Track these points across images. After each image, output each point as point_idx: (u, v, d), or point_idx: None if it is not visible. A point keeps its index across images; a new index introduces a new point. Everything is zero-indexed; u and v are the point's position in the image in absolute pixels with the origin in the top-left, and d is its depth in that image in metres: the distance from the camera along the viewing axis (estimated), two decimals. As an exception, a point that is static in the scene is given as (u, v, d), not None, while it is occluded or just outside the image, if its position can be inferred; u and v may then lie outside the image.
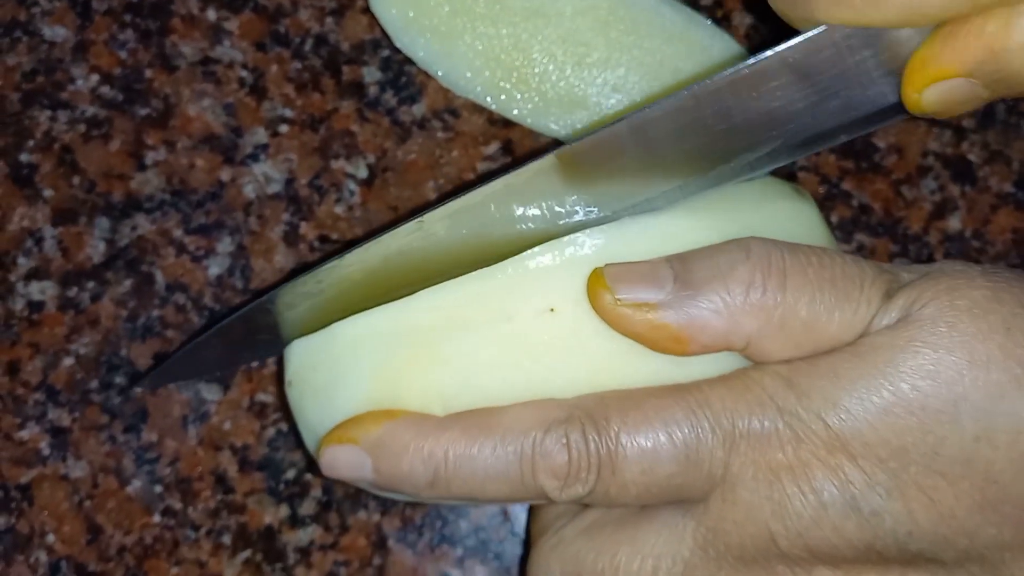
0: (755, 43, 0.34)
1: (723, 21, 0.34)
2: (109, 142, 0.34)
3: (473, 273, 0.25)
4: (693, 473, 0.23)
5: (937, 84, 0.22)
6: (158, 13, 0.35)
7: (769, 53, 0.23)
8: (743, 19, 0.34)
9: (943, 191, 0.33)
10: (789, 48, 0.23)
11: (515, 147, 0.34)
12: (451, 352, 0.25)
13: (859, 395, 0.23)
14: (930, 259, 0.33)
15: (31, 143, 0.34)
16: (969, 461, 0.22)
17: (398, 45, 0.34)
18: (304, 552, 0.32)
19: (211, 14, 0.35)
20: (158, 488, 0.32)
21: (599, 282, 0.24)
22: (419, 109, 0.34)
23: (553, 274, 0.25)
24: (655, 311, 0.24)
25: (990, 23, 0.21)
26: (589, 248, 0.25)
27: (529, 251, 0.25)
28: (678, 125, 0.24)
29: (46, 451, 0.33)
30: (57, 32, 0.35)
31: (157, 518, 0.32)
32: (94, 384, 0.33)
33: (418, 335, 0.25)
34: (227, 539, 0.32)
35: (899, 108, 0.24)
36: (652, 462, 0.23)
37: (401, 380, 0.25)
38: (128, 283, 0.34)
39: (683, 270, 0.24)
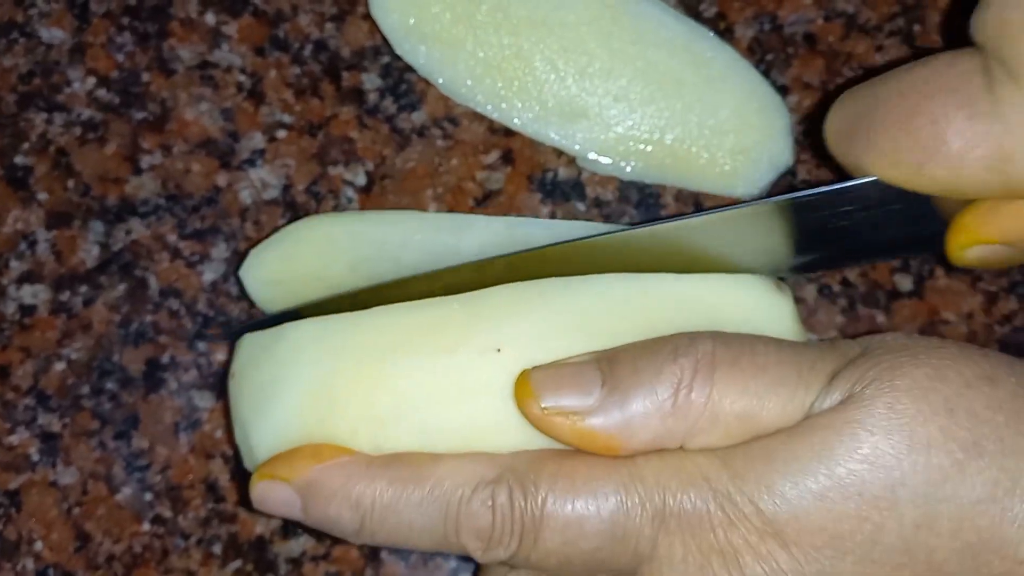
0: (758, 56, 0.33)
1: (726, 33, 0.33)
2: (105, 145, 0.33)
3: (428, 300, 0.25)
4: (619, 548, 0.22)
5: (979, 247, 0.24)
6: (156, 16, 0.34)
7: (809, 192, 0.25)
8: (746, 31, 0.33)
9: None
10: (835, 189, 0.25)
11: (515, 157, 0.33)
12: (391, 375, 0.24)
13: (794, 479, 0.21)
14: (931, 273, 0.32)
15: (26, 145, 0.33)
16: (909, 550, 0.21)
17: (398, 52, 0.33)
18: (296, 563, 0.31)
19: (210, 18, 0.34)
20: (148, 496, 0.31)
21: (526, 389, 0.23)
22: (419, 117, 0.33)
23: (506, 314, 0.24)
24: (583, 419, 0.23)
25: None
26: (547, 293, 0.24)
27: (488, 288, 0.24)
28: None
29: (36, 457, 0.31)
30: (54, 34, 0.34)
31: (147, 526, 0.31)
32: (85, 389, 0.32)
33: (362, 352, 0.24)
34: (217, 549, 0.31)
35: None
36: (576, 533, 0.22)
37: (338, 396, 0.24)
38: (121, 288, 0.32)
39: (611, 373, 0.23)
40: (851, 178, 0.25)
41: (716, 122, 0.31)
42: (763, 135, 0.31)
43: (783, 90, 0.33)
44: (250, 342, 0.26)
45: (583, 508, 0.22)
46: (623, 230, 0.27)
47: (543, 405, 0.23)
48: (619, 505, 0.22)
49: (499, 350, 0.24)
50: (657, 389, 0.22)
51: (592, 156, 0.31)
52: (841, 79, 0.33)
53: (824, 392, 0.22)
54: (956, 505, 0.21)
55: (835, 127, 0.26)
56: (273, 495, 0.24)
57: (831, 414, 0.22)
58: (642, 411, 0.22)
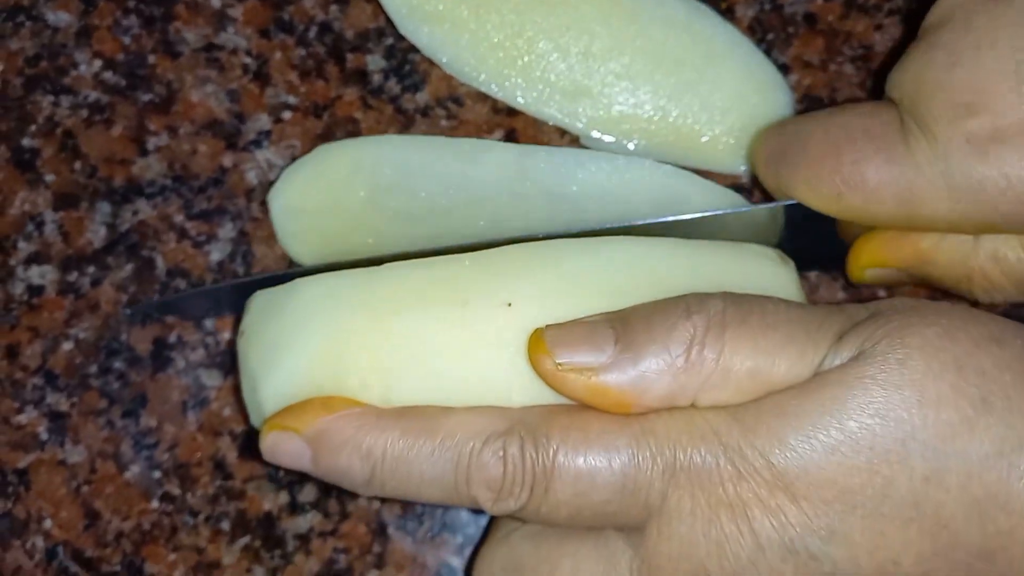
0: (759, 35, 0.33)
1: (727, 13, 0.33)
2: (111, 127, 0.33)
3: (440, 257, 0.25)
4: (629, 501, 0.22)
5: (876, 269, 0.28)
6: (162, -1, 0.34)
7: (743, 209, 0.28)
8: (746, 11, 0.33)
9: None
10: (761, 208, 0.28)
11: (519, 136, 0.33)
12: (402, 328, 0.24)
13: (805, 433, 0.21)
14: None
15: (33, 128, 0.33)
16: (918, 504, 0.21)
17: (402, 32, 0.33)
18: (303, 539, 0.31)
19: (215, 1, 0.34)
20: (156, 474, 0.31)
21: (539, 345, 0.23)
22: (422, 97, 0.33)
23: (518, 270, 0.24)
24: (596, 375, 0.23)
25: (924, 240, 0.26)
26: (558, 253, 0.24)
27: (499, 248, 0.25)
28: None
29: (44, 436, 0.31)
30: (60, 17, 0.34)
31: (155, 504, 0.31)
32: (93, 369, 0.32)
33: (374, 307, 0.24)
34: (226, 525, 0.31)
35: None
36: (587, 485, 0.22)
37: (348, 350, 0.24)
38: (128, 268, 0.32)
39: (624, 331, 0.23)
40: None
41: (718, 99, 0.31)
42: (764, 112, 0.31)
43: (784, 69, 0.33)
44: (261, 299, 0.26)
45: (595, 461, 0.22)
46: (617, 226, 0.27)
47: (557, 361, 0.23)
48: (631, 458, 0.22)
49: (510, 304, 0.24)
50: (670, 346, 0.22)
51: (595, 134, 0.32)
52: (841, 58, 0.33)
53: (834, 350, 0.22)
54: (964, 460, 0.21)
55: (763, 154, 0.28)
56: (283, 446, 0.24)
57: (842, 369, 0.22)
58: (655, 368, 0.22)
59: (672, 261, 0.25)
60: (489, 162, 0.31)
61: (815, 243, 0.28)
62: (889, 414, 0.21)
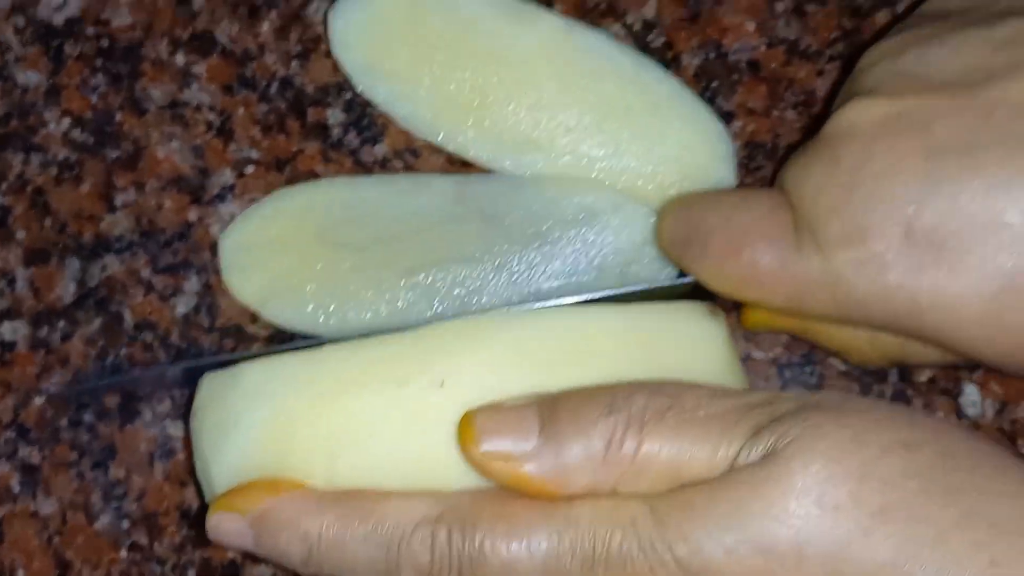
0: (704, 83, 0.34)
1: (673, 62, 0.34)
2: (80, 184, 0.34)
3: (380, 336, 0.26)
4: None
5: (765, 327, 0.30)
6: (128, 57, 0.35)
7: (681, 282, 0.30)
8: (692, 59, 0.34)
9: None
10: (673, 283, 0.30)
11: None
12: (342, 410, 0.25)
13: (709, 531, 0.22)
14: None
15: (4, 185, 0.34)
16: None
17: (359, 89, 0.33)
18: (270, 584, 0.31)
19: (180, 59, 0.35)
20: (125, 523, 0.32)
21: (468, 432, 0.24)
22: (381, 149, 0.34)
23: (453, 347, 0.25)
24: (519, 464, 0.24)
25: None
26: (493, 327, 0.25)
27: (437, 323, 0.25)
28: None
29: (17, 488, 0.32)
30: (30, 77, 0.35)
31: (124, 553, 0.31)
32: (63, 422, 0.32)
33: (316, 389, 0.25)
34: (192, 574, 0.31)
35: None
36: (510, 575, 0.23)
37: (293, 431, 0.25)
38: (98, 322, 0.33)
39: (550, 420, 0.24)
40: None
41: (663, 149, 0.32)
42: (708, 161, 0.32)
43: (728, 116, 0.34)
44: (210, 381, 0.27)
45: (518, 551, 0.23)
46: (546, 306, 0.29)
47: (482, 449, 0.24)
48: (551, 550, 0.23)
49: (443, 384, 0.24)
50: (591, 440, 0.23)
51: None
52: (784, 104, 0.34)
53: (749, 444, 0.23)
54: (859, 568, 0.21)
55: (667, 235, 0.30)
56: (226, 526, 0.25)
57: (751, 469, 0.22)
58: (576, 460, 0.23)
59: (605, 328, 0.25)
60: (430, 192, 0.32)
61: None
62: (788, 519, 0.21)
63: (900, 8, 0.34)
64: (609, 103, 0.32)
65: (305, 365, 0.25)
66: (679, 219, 0.30)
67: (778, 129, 0.34)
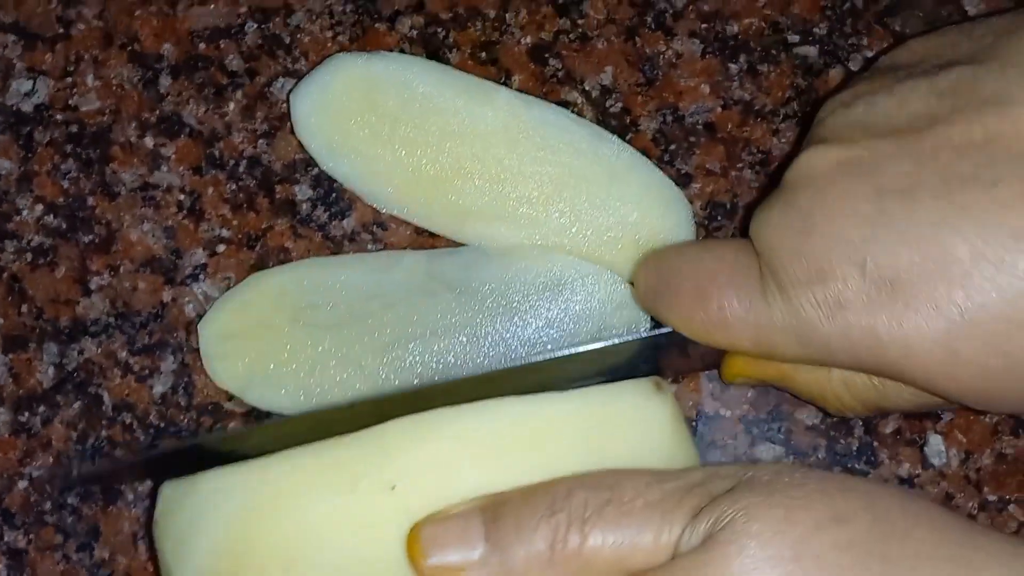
0: (662, 146, 0.34)
1: (631, 127, 0.35)
2: (55, 269, 0.35)
3: (328, 440, 0.26)
4: None
5: (743, 378, 0.30)
6: (99, 142, 0.35)
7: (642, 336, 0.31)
8: (650, 123, 0.35)
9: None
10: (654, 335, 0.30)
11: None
12: (296, 517, 0.25)
13: None
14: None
15: (-19, 273, 0.35)
16: None
17: (323, 168, 0.34)
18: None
19: (149, 141, 0.35)
20: (110, 606, 0.32)
21: (415, 545, 0.25)
22: (349, 223, 0.35)
23: (403, 446, 0.25)
24: (468, 574, 0.24)
25: (784, 364, 0.28)
26: (441, 423, 0.26)
27: (384, 424, 0.26)
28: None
29: (4, 573, 0.32)
30: (2, 165, 0.35)
31: (110, 635, 0.32)
32: (47, 505, 0.33)
33: (270, 496, 0.25)
34: (178, 653, 0.32)
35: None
36: None
37: (248, 539, 0.25)
38: (77, 405, 0.33)
39: (494, 527, 0.25)
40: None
41: (622, 215, 0.32)
42: (667, 226, 0.32)
43: (687, 177, 0.34)
44: (170, 489, 0.27)
45: None
46: (505, 368, 0.30)
47: (429, 563, 0.24)
48: None
49: (394, 487, 0.25)
50: (535, 543, 0.24)
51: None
52: (741, 164, 0.34)
53: (690, 527, 0.23)
54: None
55: (641, 286, 0.31)
56: None
57: (691, 557, 0.23)
58: (522, 564, 0.24)
59: (551, 416, 0.26)
60: (401, 268, 0.33)
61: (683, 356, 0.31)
62: None
63: (852, 65, 0.35)
64: (567, 174, 0.32)
65: (257, 473, 0.26)
66: (651, 270, 0.30)
67: (736, 188, 0.34)
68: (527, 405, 0.26)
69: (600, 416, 0.26)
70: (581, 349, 0.29)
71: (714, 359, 0.30)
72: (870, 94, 0.27)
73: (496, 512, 0.25)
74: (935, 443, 0.32)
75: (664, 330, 0.29)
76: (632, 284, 0.31)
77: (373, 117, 0.33)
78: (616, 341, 0.30)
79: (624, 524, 0.23)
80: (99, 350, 0.34)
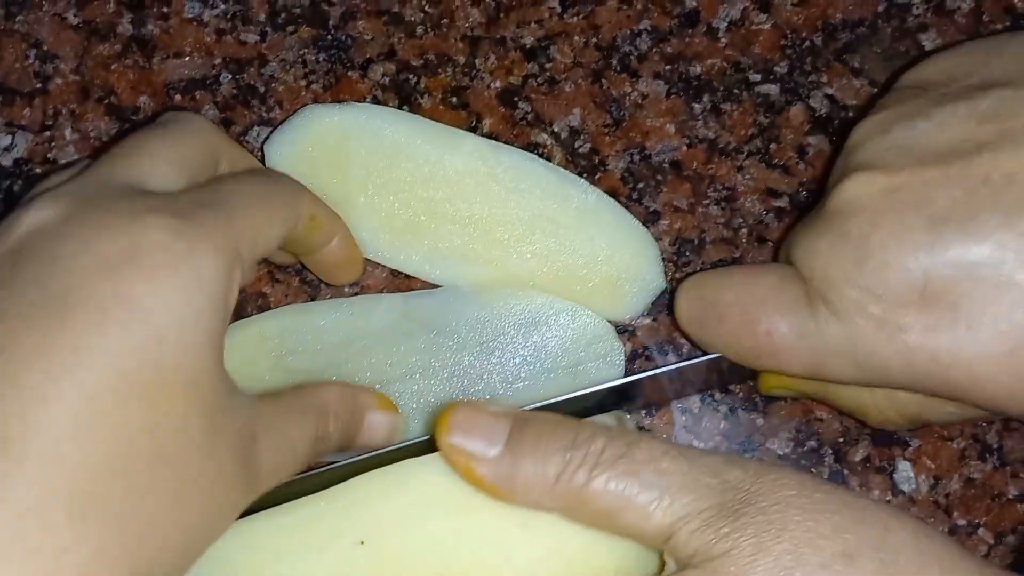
0: (631, 185, 0.35)
1: (600, 167, 0.35)
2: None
3: (300, 499, 0.26)
4: None
5: (783, 390, 0.31)
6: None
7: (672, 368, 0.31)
8: (618, 163, 0.35)
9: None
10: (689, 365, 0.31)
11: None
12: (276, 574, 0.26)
13: None
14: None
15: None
16: None
17: None
18: None
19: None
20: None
21: (444, 422, 0.26)
22: (325, 267, 0.35)
23: (369, 505, 0.26)
24: (478, 464, 0.25)
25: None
26: (404, 476, 0.26)
27: (352, 480, 0.26)
28: None
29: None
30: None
31: None
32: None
33: (246, 558, 0.26)
34: None
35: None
36: None
37: None
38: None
39: (517, 435, 0.26)
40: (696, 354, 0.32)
41: (592, 256, 0.33)
42: (636, 264, 0.33)
43: (655, 215, 0.35)
44: None
45: None
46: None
47: (450, 440, 0.26)
48: None
49: (363, 542, 0.25)
50: (546, 467, 0.25)
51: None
52: (708, 200, 0.35)
53: (689, 527, 0.23)
54: None
55: (685, 313, 0.31)
56: None
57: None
58: (527, 478, 0.25)
59: None
60: (379, 312, 0.34)
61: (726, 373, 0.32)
62: None
63: (812, 102, 0.36)
64: (537, 216, 0.33)
65: (236, 534, 0.26)
66: (693, 298, 0.31)
67: (703, 225, 0.35)
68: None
69: None
70: (556, 400, 0.30)
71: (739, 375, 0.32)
72: (907, 118, 0.27)
73: (524, 425, 0.26)
74: (904, 469, 0.33)
75: (711, 356, 0.30)
76: (673, 311, 0.32)
77: (345, 165, 0.33)
78: (591, 389, 0.30)
79: (629, 480, 0.24)
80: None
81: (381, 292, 0.35)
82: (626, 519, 0.24)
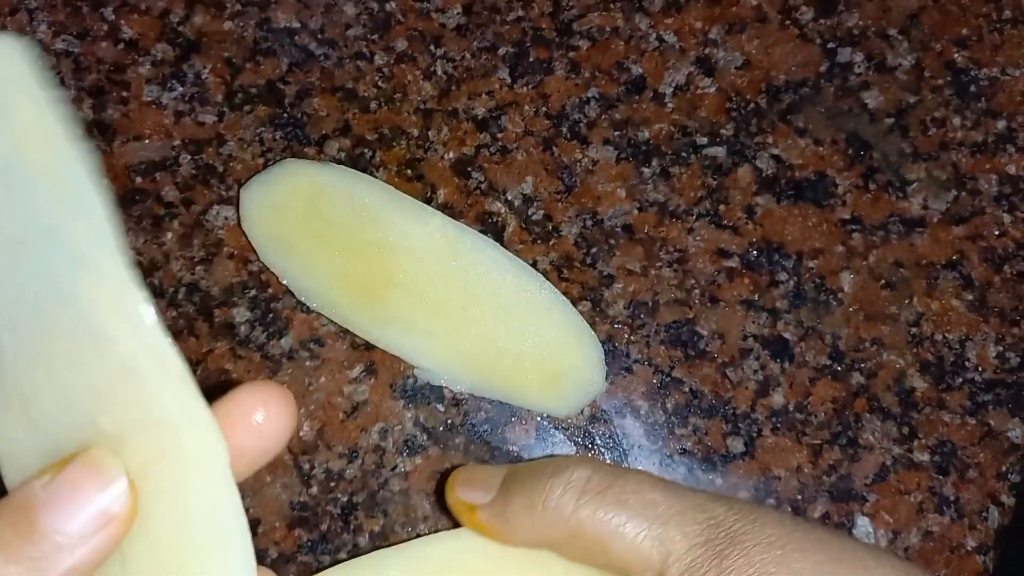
0: (584, 249, 0.36)
1: (553, 232, 0.36)
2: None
3: None
4: None
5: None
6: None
7: None
8: (571, 228, 0.36)
9: (764, 369, 0.35)
10: None
11: (377, 367, 0.35)
12: None
13: None
14: (759, 434, 0.34)
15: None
16: None
17: (263, 261, 0.35)
18: None
19: (92, 272, 0.36)
20: None
21: (451, 481, 0.29)
22: (287, 342, 0.35)
23: None
24: (478, 511, 0.28)
25: None
26: (380, 565, 0.27)
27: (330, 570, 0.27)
28: None
29: None
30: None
31: None
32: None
33: None
34: None
35: None
36: None
37: None
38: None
39: (508, 480, 0.28)
40: None
41: (538, 349, 0.33)
42: (579, 363, 0.33)
43: (609, 279, 0.35)
44: None
45: None
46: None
47: (456, 495, 0.28)
48: None
49: None
50: (532, 497, 0.26)
51: (431, 370, 0.34)
52: (660, 262, 0.35)
53: (679, 567, 0.24)
54: None
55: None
56: None
57: None
58: (517, 513, 0.26)
59: (485, 551, 0.27)
60: None
61: None
62: None
63: (758, 163, 0.36)
64: (490, 301, 0.33)
65: None
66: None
67: (656, 287, 0.35)
68: (462, 540, 0.28)
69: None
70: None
71: None
72: None
73: (515, 471, 0.28)
74: (863, 524, 0.33)
75: None
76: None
77: (315, 220, 0.34)
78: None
79: (616, 509, 0.25)
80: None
81: (343, 365, 0.35)
82: (616, 549, 0.25)
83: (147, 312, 0.19)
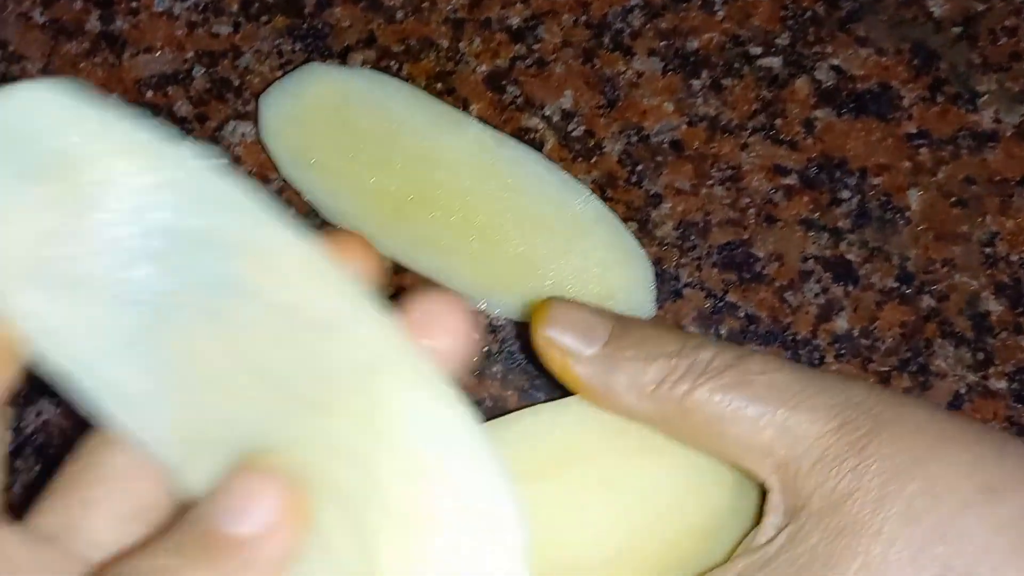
0: (629, 167, 0.33)
1: (595, 149, 0.33)
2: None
3: None
4: None
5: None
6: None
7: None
8: (615, 145, 0.33)
9: (827, 293, 0.32)
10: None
11: (408, 292, 0.33)
12: None
13: None
14: (822, 362, 0.31)
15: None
16: None
17: (284, 176, 0.32)
18: None
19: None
20: None
21: (542, 313, 0.24)
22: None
23: None
24: (573, 362, 0.23)
25: None
26: None
27: None
28: None
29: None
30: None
31: None
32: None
33: None
34: None
35: None
36: None
37: None
38: (37, 469, 0.32)
39: (618, 337, 0.24)
40: None
41: (583, 271, 0.30)
42: (627, 284, 0.31)
43: (657, 198, 0.33)
44: None
45: None
46: None
47: (546, 332, 0.24)
48: None
49: None
50: (645, 374, 0.23)
51: (466, 294, 0.31)
52: (711, 180, 0.33)
53: (810, 457, 0.21)
54: None
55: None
56: None
57: (820, 522, 0.20)
58: (624, 382, 0.23)
59: (582, 423, 0.25)
60: None
61: None
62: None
63: (817, 75, 0.34)
64: (531, 218, 0.31)
65: None
66: None
67: (708, 206, 0.33)
68: (557, 414, 0.25)
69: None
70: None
71: None
72: None
73: (626, 327, 0.24)
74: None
75: None
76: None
77: (341, 131, 0.31)
78: None
79: (739, 390, 0.22)
80: (57, 409, 0.32)
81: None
82: (732, 432, 0.22)
83: None
